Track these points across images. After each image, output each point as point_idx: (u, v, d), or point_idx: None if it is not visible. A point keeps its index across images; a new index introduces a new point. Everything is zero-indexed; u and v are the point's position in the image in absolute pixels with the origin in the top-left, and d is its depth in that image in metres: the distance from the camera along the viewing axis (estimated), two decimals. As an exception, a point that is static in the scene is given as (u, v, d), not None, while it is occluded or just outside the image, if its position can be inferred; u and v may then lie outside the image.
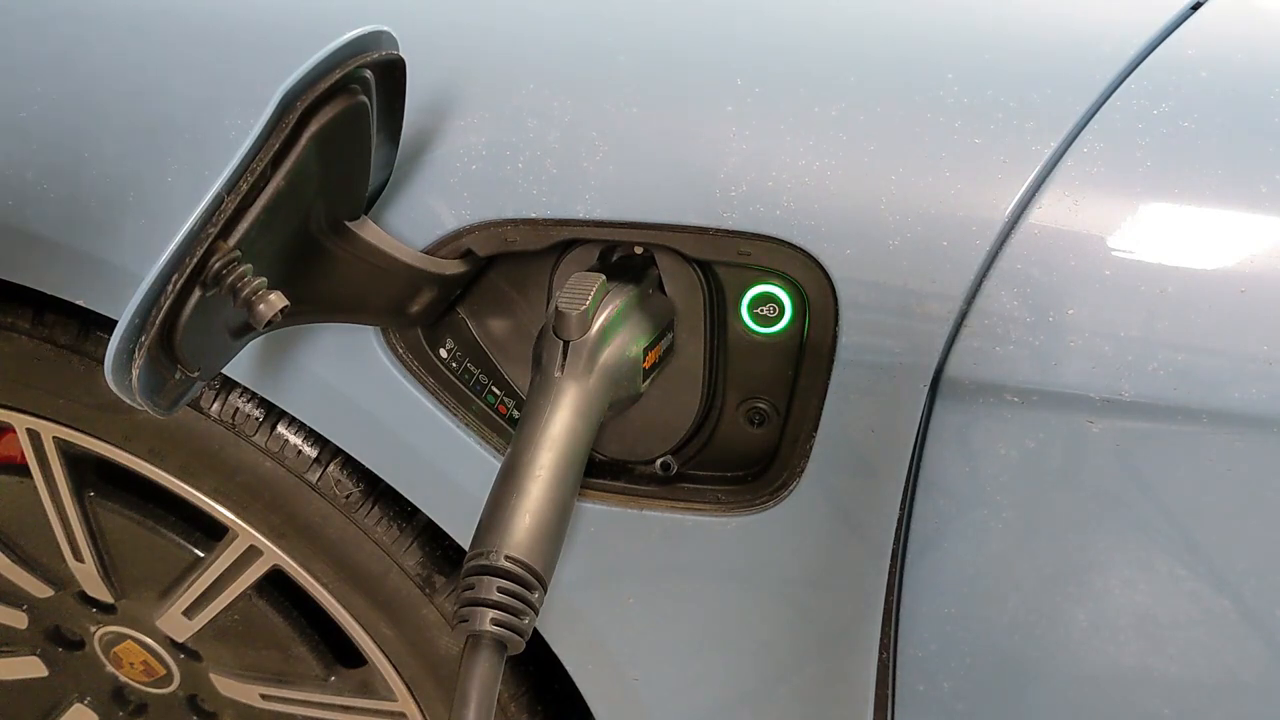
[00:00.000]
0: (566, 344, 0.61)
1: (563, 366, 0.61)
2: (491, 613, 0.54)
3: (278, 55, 0.70)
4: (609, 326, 0.62)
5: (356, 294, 0.66)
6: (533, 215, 0.65)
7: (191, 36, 0.72)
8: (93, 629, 0.99)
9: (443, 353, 0.73)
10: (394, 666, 0.89)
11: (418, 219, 0.67)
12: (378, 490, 0.81)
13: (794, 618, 0.71)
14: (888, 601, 0.67)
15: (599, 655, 0.77)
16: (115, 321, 0.52)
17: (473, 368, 0.74)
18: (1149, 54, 0.65)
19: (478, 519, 0.57)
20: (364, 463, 0.76)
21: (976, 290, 0.59)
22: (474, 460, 0.71)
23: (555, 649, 0.79)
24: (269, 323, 0.55)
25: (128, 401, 0.54)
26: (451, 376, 0.73)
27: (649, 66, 0.67)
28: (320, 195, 0.59)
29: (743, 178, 0.62)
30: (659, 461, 0.74)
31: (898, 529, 0.65)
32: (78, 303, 0.75)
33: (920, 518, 0.65)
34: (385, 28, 0.56)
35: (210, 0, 0.73)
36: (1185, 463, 0.59)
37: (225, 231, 0.53)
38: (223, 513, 0.85)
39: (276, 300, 0.55)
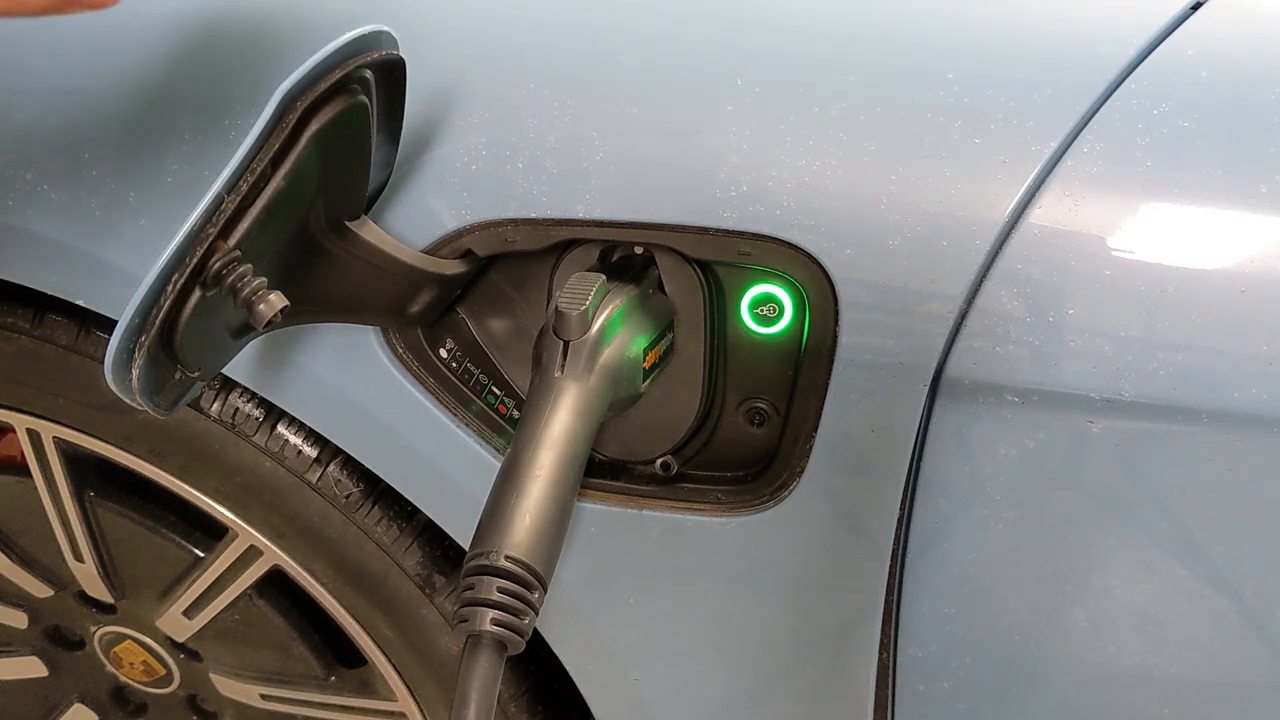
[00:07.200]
0: (566, 344, 0.61)
1: (563, 366, 0.61)
2: (491, 613, 0.54)
3: (278, 55, 0.70)
4: (609, 326, 0.62)
5: (356, 294, 0.66)
6: (533, 215, 0.65)
7: (192, 36, 0.72)
8: (93, 629, 0.99)
9: (443, 353, 0.73)
10: (394, 666, 0.89)
11: (418, 219, 0.67)
12: (378, 490, 0.81)
13: (794, 618, 0.71)
14: (888, 601, 0.67)
15: (599, 655, 0.77)
16: (115, 321, 0.52)
17: (473, 368, 0.74)
18: (1149, 54, 0.65)
19: (478, 519, 0.57)
20: (364, 463, 0.76)
21: (976, 290, 0.59)
22: (474, 460, 0.71)
23: (555, 649, 0.79)
24: (269, 323, 0.55)
25: (128, 401, 0.54)
26: (451, 376, 0.73)
27: (649, 67, 0.67)
28: (320, 195, 0.59)
29: (743, 178, 0.62)
30: (659, 461, 0.74)
31: (898, 529, 0.65)
32: (78, 303, 0.75)
33: (920, 518, 0.65)
34: (385, 28, 0.56)
35: (210, 0, 0.73)
36: (1185, 463, 0.59)
37: (225, 231, 0.53)
38: (223, 513, 0.85)
39: (276, 300, 0.55)
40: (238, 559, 0.88)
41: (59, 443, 0.88)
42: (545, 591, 0.56)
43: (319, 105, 0.54)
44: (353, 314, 0.67)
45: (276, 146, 0.53)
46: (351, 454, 0.76)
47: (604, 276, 0.63)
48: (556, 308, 0.61)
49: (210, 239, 0.52)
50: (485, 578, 0.54)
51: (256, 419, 0.79)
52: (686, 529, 0.70)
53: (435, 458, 0.73)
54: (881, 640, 0.68)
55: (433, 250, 0.67)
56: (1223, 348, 0.57)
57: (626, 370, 0.64)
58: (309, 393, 0.74)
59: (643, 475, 0.74)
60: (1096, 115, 0.61)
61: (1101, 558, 0.62)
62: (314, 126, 0.54)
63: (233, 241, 0.54)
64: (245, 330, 0.61)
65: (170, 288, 0.51)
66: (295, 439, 0.79)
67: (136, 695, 1.04)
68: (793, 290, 0.66)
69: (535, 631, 0.70)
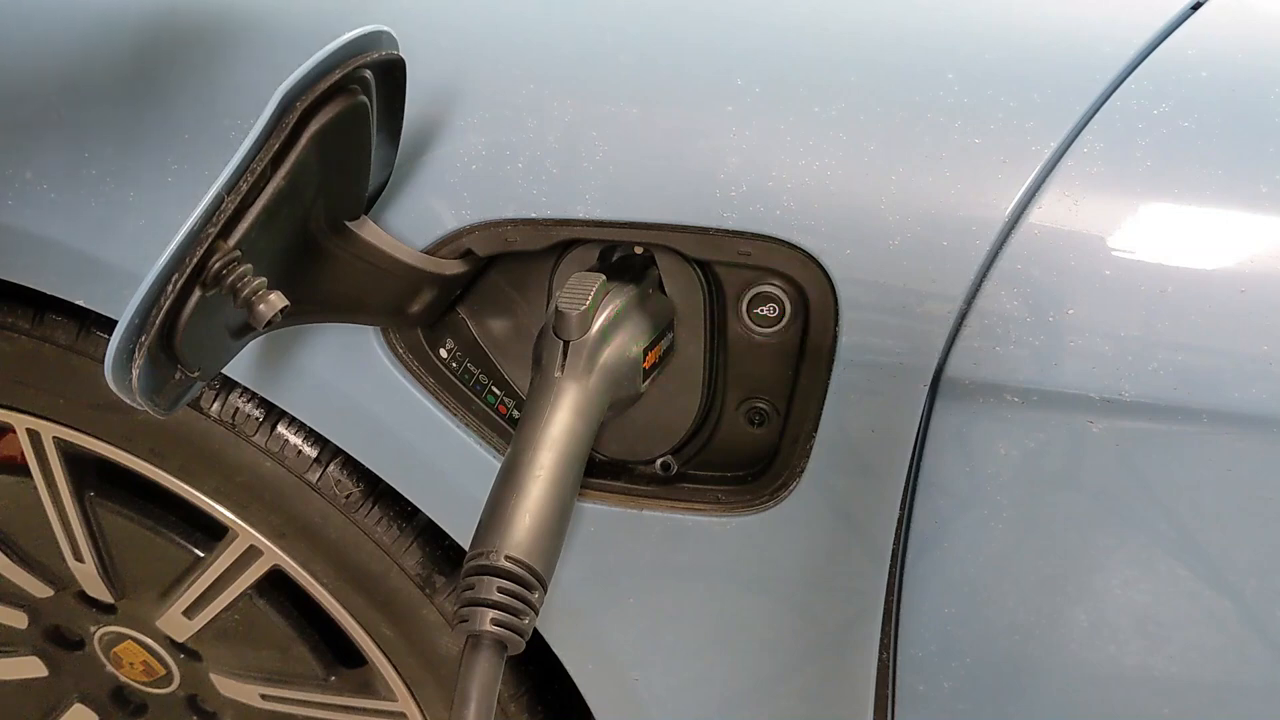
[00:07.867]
0: (566, 344, 0.61)
1: (563, 366, 0.61)
2: (491, 613, 0.54)
3: (277, 55, 0.70)
4: (609, 326, 0.62)
5: (356, 294, 0.66)
6: (533, 215, 0.65)
7: (191, 36, 0.72)
8: (93, 629, 0.99)
9: (443, 353, 0.73)
10: (394, 666, 0.89)
11: (418, 219, 0.67)
12: (378, 490, 0.81)
13: (794, 618, 0.71)
14: (888, 601, 0.67)
15: (599, 655, 0.77)
16: (115, 321, 0.52)
17: (473, 368, 0.74)
18: (1149, 54, 0.65)
19: (478, 519, 0.57)
20: (364, 463, 0.76)
21: (976, 290, 0.59)
22: (474, 460, 0.71)
23: (555, 649, 0.79)
24: (269, 323, 0.55)
25: (128, 401, 0.54)
26: (451, 376, 0.73)
27: (649, 67, 0.67)
28: (320, 195, 0.59)
29: (743, 178, 0.62)
30: (659, 461, 0.74)
31: (898, 529, 0.65)
32: (78, 303, 0.75)
33: (920, 518, 0.65)
34: (385, 28, 0.56)
35: (210, 0, 0.73)
36: (1185, 463, 0.59)
37: (225, 231, 0.53)
38: (223, 513, 0.85)
39: (276, 300, 0.55)
40: (238, 559, 0.88)
41: (59, 443, 0.88)
42: (545, 591, 0.56)
43: (319, 105, 0.54)
44: (353, 314, 0.67)
45: (276, 146, 0.53)
46: (351, 454, 0.76)
47: (604, 276, 0.63)
48: (556, 308, 0.61)
49: (210, 239, 0.52)
50: (485, 578, 0.54)
51: (256, 419, 0.79)
52: (686, 529, 0.70)
53: (435, 458, 0.73)
54: (881, 640, 0.68)
55: (433, 250, 0.67)
56: (1223, 348, 0.57)
57: (626, 370, 0.64)
58: (309, 393, 0.74)
59: (643, 475, 0.74)
60: (1096, 115, 0.61)
61: (1102, 557, 0.62)
62: (314, 126, 0.54)
63: (233, 241, 0.54)
64: (245, 330, 0.61)
65: (170, 288, 0.51)
66: (295, 439, 0.79)
67: (136, 695, 1.04)
68: (793, 290, 0.66)
69: (535, 631, 0.70)
